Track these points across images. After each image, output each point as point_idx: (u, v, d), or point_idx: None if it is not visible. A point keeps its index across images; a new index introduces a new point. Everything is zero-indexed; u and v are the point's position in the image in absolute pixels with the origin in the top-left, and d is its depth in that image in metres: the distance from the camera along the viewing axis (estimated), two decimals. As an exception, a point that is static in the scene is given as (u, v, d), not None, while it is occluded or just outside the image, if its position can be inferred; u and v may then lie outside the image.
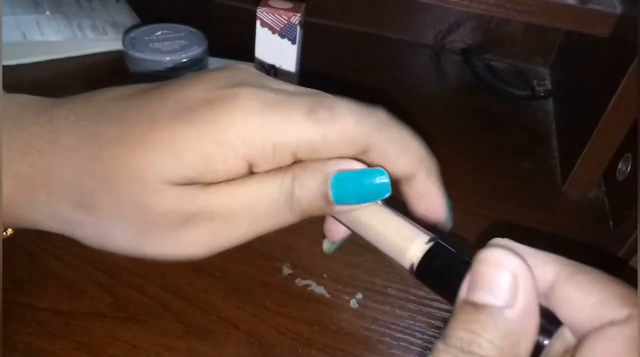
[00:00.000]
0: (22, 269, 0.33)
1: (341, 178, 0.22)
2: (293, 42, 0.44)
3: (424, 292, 0.35)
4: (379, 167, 0.23)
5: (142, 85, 0.25)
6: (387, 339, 0.32)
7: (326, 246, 0.31)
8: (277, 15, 0.43)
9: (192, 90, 0.23)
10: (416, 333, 0.33)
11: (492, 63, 0.63)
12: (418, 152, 0.25)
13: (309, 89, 0.24)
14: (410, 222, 0.24)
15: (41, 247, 0.34)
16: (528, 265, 0.19)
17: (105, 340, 0.30)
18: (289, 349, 0.31)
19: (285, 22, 0.43)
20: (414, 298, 0.35)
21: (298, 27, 0.43)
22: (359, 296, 0.34)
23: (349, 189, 0.23)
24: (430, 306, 0.34)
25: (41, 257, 0.34)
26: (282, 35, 0.44)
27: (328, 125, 0.22)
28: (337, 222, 0.27)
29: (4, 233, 0.28)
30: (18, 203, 0.23)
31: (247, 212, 0.22)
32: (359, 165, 0.23)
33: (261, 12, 0.43)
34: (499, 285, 0.18)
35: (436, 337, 0.33)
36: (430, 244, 0.22)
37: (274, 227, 0.23)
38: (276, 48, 0.45)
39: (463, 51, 0.64)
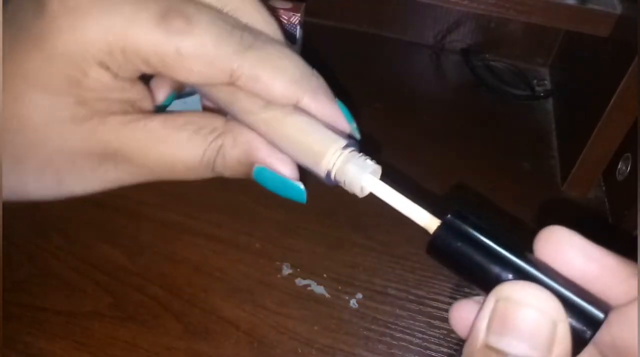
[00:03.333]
0: (22, 269, 0.33)
1: (263, 173, 0.22)
2: (293, 42, 0.44)
3: (424, 292, 0.35)
4: (298, 183, 0.22)
5: None
6: (387, 339, 0.32)
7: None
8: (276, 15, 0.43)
9: (26, 8, 0.20)
10: (416, 333, 0.33)
11: (492, 63, 0.63)
12: (294, 73, 0.21)
13: None
14: (326, 128, 0.22)
15: (41, 247, 0.34)
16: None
17: (105, 340, 0.30)
18: (288, 349, 0.31)
19: (285, 22, 0.43)
20: (413, 298, 0.35)
21: (298, 27, 0.43)
22: (359, 295, 0.34)
23: (268, 185, 0.22)
24: (430, 306, 0.34)
25: (41, 257, 0.34)
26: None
27: (183, 38, 0.19)
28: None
29: None
30: None
31: (166, 168, 0.22)
32: (285, 170, 0.22)
33: (261, 12, 0.43)
34: (536, 333, 0.15)
35: (436, 337, 0.33)
36: (348, 149, 0.21)
37: (193, 179, 0.22)
38: (276, 48, 0.44)
39: (463, 51, 0.64)
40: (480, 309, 0.16)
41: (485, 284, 0.17)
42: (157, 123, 0.21)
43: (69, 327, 0.30)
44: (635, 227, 0.35)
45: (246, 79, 0.20)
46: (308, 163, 0.21)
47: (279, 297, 0.33)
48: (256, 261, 0.35)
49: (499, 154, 0.50)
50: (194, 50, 0.19)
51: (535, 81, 0.60)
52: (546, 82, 0.61)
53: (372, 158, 0.21)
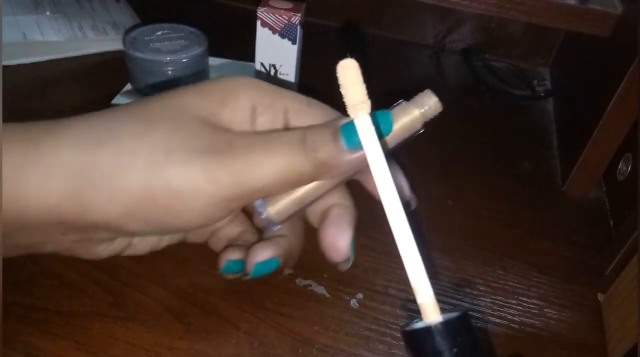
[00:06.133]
0: (22, 269, 0.33)
1: (349, 124, 0.25)
2: (293, 42, 0.44)
3: (424, 292, 0.35)
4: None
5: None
6: (388, 339, 0.32)
7: (344, 265, 0.31)
8: (277, 15, 0.43)
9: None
10: (416, 333, 0.33)
11: (492, 63, 0.63)
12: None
13: None
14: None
15: (41, 247, 0.34)
16: None
17: (105, 340, 0.30)
18: (289, 349, 0.31)
19: (286, 22, 0.43)
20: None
21: (298, 27, 0.43)
22: (360, 295, 0.34)
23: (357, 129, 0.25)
24: (430, 306, 0.34)
25: (41, 257, 0.34)
26: (282, 35, 0.44)
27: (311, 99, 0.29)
28: (337, 239, 0.29)
29: None
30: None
31: (262, 142, 0.26)
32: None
33: (261, 12, 0.43)
34: None
35: (436, 337, 0.33)
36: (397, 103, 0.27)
37: (292, 169, 0.25)
38: (276, 48, 0.45)
39: (463, 51, 0.64)
40: None
41: None
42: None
43: (69, 327, 0.30)
44: (636, 228, 0.35)
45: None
46: None
47: (279, 297, 0.33)
48: (256, 261, 0.35)
49: (499, 154, 0.50)
50: (318, 105, 0.30)
51: (535, 81, 0.60)
52: (546, 82, 0.61)
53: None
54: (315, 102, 0.29)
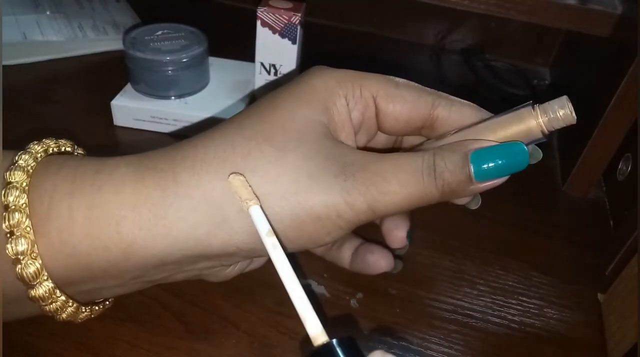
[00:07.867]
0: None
1: (480, 153, 0.25)
2: (293, 42, 0.44)
3: (424, 292, 0.35)
4: (518, 141, 0.25)
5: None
6: (387, 338, 0.32)
7: (398, 266, 0.33)
8: (277, 15, 0.43)
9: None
10: (416, 333, 0.33)
11: (492, 63, 0.63)
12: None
13: None
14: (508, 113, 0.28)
15: (41, 247, 0.34)
16: None
17: (105, 340, 0.30)
18: (289, 348, 0.31)
19: (286, 22, 0.43)
20: (414, 298, 0.35)
21: (298, 27, 0.43)
22: (360, 295, 0.34)
23: (489, 160, 0.25)
24: (431, 306, 0.34)
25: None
26: (283, 35, 0.44)
27: (394, 79, 0.28)
28: (396, 227, 0.31)
29: (106, 303, 0.29)
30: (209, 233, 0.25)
31: (393, 169, 0.25)
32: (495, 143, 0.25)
33: (261, 12, 0.43)
34: None
35: (437, 337, 0.33)
36: (535, 106, 0.26)
37: (420, 196, 0.25)
38: (276, 48, 0.44)
39: (463, 51, 0.64)
40: None
41: None
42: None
43: (69, 327, 0.30)
44: (636, 228, 0.35)
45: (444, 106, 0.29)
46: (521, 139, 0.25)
47: (279, 297, 0.33)
48: (256, 261, 0.35)
49: (499, 154, 0.50)
50: (406, 84, 0.28)
51: (535, 81, 0.60)
52: (546, 82, 0.61)
53: None
54: (401, 82, 0.28)
